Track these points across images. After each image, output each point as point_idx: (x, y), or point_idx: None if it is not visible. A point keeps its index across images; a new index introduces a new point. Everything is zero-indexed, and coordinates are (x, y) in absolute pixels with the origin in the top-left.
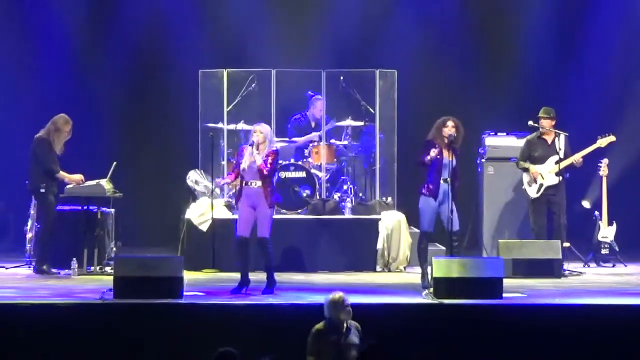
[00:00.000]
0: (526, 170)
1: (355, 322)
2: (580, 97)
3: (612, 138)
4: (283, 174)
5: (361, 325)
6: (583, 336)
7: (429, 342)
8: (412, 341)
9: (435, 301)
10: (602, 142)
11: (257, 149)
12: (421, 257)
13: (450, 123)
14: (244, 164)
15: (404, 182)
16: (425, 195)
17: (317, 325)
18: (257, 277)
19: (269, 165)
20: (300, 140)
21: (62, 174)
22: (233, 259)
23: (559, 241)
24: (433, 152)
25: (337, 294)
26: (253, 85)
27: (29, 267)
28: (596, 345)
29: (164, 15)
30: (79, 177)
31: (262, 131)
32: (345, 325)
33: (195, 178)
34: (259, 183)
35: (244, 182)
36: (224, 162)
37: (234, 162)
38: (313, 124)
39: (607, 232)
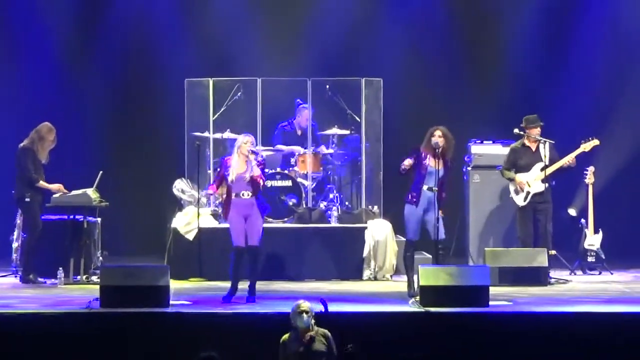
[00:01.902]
0: (511, 180)
1: (324, 330)
2: (565, 105)
3: (595, 142)
4: (269, 183)
5: (347, 334)
6: (569, 344)
7: (416, 350)
8: (399, 350)
9: (422, 309)
10: (585, 146)
11: (258, 155)
12: (407, 265)
13: (437, 132)
14: (232, 177)
15: (389, 190)
16: (409, 204)
17: (284, 336)
18: (241, 285)
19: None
20: (284, 148)
21: (42, 183)
22: (225, 267)
23: (545, 249)
24: (406, 162)
25: (297, 302)
26: (239, 94)
27: (16, 276)
28: (583, 352)
29: (150, 24)
30: (58, 186)
31: (253, 142)
32: (308, 334)
33: (181, 187)
34: (250, 194)
35: (232, 193)
36: (210, 171)
37: (218, 172)
38: (300, 132)
39: (593, 240)
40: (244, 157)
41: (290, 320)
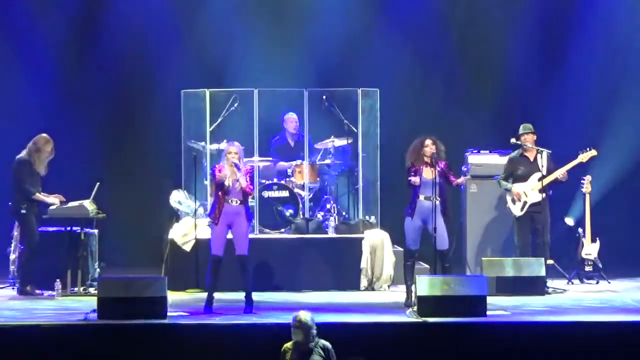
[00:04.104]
0: (508, 190)
1: (324, 342)
2: (562, 114)
3: (593, 152)
4: (266, 194)
5: (344, 345)
6: (567, 354)
7: None
8: None
9: (419, 319)
10: (583, 157)
11: (238, 170)
12: (406, 275)
13: (428, 142)
14: (229, 182)
15: (387, 200)
16: (407, 215)
17: (286, 344)
18: (236, 296)
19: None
20: (285, 165)
21: (39, 195)
22: (223, 278)
23: (543, 258)
24: (415, 180)
25: (296, 314)
26: (235, 104)
27: (13, 288)
28: None
29: (146, 36)
30: (55, 198)
31: (237, 152)
32: (308, 345)
33: (178, 198)
34: (240, 201)
35: (224, 199)
36: (207, 182)
37: (212, 183)
38: (292, 143)
39: (590, 249)
40: (230, 166)
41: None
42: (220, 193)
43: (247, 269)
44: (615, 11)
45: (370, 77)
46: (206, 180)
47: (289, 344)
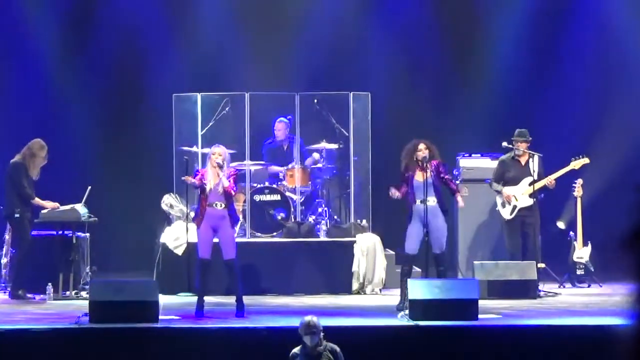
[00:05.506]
0: (499, 192)
1: (332, 346)
2: (554, 118)
3: (585, 160)
4: (258, 197)
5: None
6: (559, 357)
7: None
8: None
9: (411, 323)
10: (575, 164)
11: (222, 171)
12: (401, 278)
13: (421, 146)
14: (210, 185)
15: (378, 204)
16: (408, 221)
17: (295, 349)
18: (228, 300)
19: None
20: (277, 169)
21: (38, 200)
22: (214, 282)
23: (534, 262)
24: (394, 193)
25: (306, 317)
26: (227, 108)
27: (4, 292)
28: None
29: (138, 40)
30: (54, 204)
31: (221, 153)
32: (317, 349)
33: (170, 202)
34: (224, 204)
35: (206, 202)
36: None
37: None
38: (285, 147)
39: (582, 253)
40: (213, 167)
41: (300, 334)
42: (202, 197)
43: (236, 273)
44: (608, 16)
45: (361, 80)
46: None
47: (296, 349)
